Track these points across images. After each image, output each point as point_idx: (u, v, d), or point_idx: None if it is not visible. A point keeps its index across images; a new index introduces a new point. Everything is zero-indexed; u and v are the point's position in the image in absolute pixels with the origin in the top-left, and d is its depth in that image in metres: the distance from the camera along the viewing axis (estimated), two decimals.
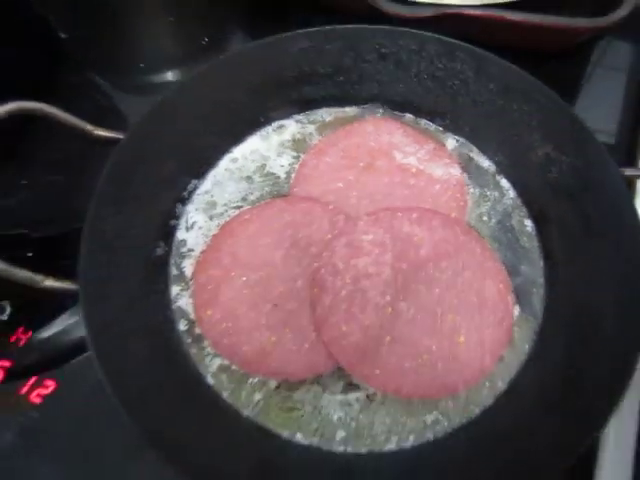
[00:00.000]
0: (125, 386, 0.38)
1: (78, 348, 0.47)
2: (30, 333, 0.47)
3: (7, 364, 0.46)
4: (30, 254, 0.50)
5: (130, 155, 0.46)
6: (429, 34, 0.50)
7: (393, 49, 0.52)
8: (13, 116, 0.43)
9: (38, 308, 0.49)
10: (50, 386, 0.45)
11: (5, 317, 0.48)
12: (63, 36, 0.63)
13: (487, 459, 0.40)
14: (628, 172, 0.45)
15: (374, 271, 0.46)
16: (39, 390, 0.45)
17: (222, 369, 0.44)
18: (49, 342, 0.47)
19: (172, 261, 0.48)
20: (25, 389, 0.45)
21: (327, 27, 0.51)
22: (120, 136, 0.47)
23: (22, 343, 0.47)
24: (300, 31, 0.51)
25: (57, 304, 0.49)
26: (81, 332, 0.47)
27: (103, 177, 0.44)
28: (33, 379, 0.45)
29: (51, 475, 0.42)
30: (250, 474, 0.39)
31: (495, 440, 0.41)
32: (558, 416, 0.40)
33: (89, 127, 0.47)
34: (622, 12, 0.53)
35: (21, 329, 0.47)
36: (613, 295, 0.42)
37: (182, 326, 0.45)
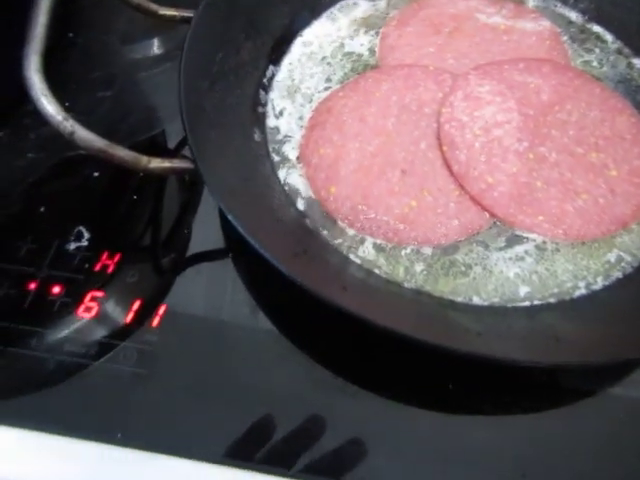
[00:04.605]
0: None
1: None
2: (117, 257, 0.39)
3: (100, 295, 0.37)
4: None
5: (206, 32, 0.40)
6: None
7: None
8: None
9: (119, 228, 0.41)
10: (160, 308, 0.37)
11: (85, 243, 0.39)
12: None
13: None
14: None
15: (503, 119, 0.41)
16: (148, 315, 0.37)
17: (361, 244, 0.37)
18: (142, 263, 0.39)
19: (270, 148, 0.41)
20: (130, 316, 0.37)
21: None
22: (187, 14, 0.40)
23: (110, 270, 0.39)
24: None
25: (137, 222, 0.41)
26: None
27: (185, 52, 0.37)
28: (137, 304, 0.37)
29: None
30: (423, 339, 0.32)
31: None
32: None
33: (153, 6, 0.40)
34: None
35: (106, 254, 0.39)
36: None
37: (300, 206, 0.39)
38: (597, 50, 0.47)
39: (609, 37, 0.48)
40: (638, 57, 0.47)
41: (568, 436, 0.33)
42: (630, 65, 0.46)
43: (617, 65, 0.47)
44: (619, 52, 0.47)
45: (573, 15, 0.49)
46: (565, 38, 0.48)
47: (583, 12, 0.49)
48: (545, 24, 0.48)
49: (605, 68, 0.47)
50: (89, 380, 0.35)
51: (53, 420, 0.33)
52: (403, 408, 0.33)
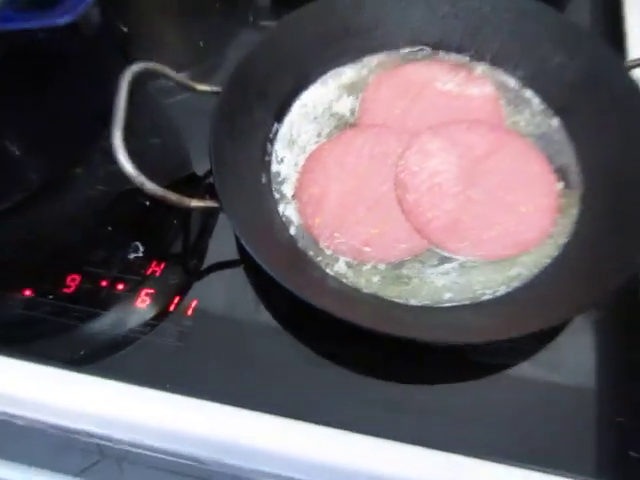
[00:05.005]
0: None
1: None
2: (163, 265, 0.55)
3: (151, 291, 0.54)
4: None
5: (230, 102, 0.55)
6: None
7: None
8: None
9: (163, 245, 0.57)
10: (193, 302, 0.53)
11: (140, 254, 0.55)
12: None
13: (560, 294, 0.50)
14: (629, 63, 0.57)
15: (444, 169, 0.56)
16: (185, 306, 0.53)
17: (336, 262, 0.53)
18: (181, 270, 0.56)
19: (273, 188, 0.57)
20: (172, 307, 0.53)
21: None
22: (217, 89, 0.56)
23: (158, 274, 0.55)
24: None
25: (176, 239, 0.57)
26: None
27: (214, 118, 0.53)
28: (177, 298, 0.53)
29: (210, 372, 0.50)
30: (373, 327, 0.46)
31: (568, 279, 0.51)
32: (613, 249, 0.50)
33: (191, 83, 0.56)
34: None
35: (154, 262, 0.55)
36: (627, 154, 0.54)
37: (293, 232, 0.54)
38: (526, 112, 0.62)
39: (536, 100, 0.62)
40: (556, 117, 0.61)
41: (473, 406, 0.48)
42: (549, 125, 0.61)
43: (540, 124, 0.61)
44: (543, 113, 0.61)
45: (512, 81, 0.64)
46: (502, 102, 0.62)
47: (520, 78, 0.63)
48: (488, 89, 0.63)
49: (531, 127, 0.61)
50: (145, 349, 0.51)
51: (122, 373, 0.49)
52: (358, 377, 0.48)
